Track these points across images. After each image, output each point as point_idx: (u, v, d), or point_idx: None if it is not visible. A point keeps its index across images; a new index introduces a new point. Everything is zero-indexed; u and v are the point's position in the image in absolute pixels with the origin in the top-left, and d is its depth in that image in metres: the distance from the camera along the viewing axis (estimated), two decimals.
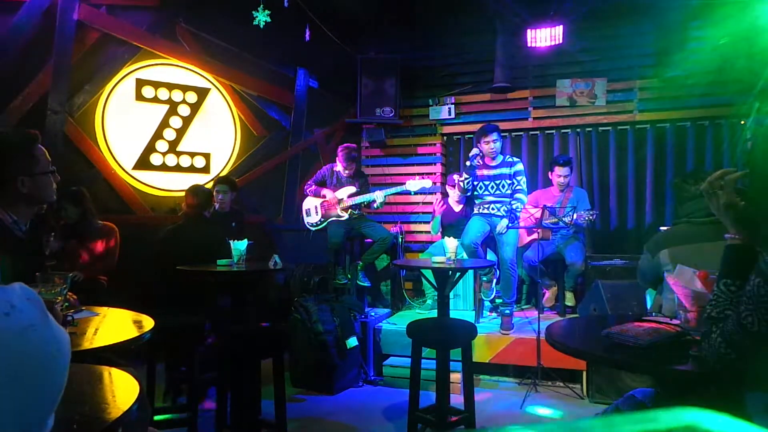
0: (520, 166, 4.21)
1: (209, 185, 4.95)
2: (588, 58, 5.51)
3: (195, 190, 3.68)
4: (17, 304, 0.64)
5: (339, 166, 4.72)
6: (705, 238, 1.96)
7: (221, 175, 5.14)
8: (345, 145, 4.76)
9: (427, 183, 4.58)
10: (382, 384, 4.14)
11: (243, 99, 5.52)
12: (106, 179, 4.69)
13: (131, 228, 4.71)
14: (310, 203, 4.83)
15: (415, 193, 4.65)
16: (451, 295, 3.31)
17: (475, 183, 4.28)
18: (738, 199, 1.24)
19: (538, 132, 5.79)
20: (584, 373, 3.75)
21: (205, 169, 5.27)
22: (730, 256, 1.27)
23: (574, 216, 4.34)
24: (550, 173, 4.88)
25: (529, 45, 5.19)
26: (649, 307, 2.55)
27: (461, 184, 4.27)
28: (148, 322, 1.78)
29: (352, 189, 4.69)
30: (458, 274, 3.09)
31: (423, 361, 3.10)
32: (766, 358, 1.14)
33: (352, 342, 4.08)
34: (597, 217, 4.46)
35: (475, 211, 4.38)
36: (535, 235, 4.41)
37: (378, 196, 4.54)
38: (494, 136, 4.16)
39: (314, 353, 3.96)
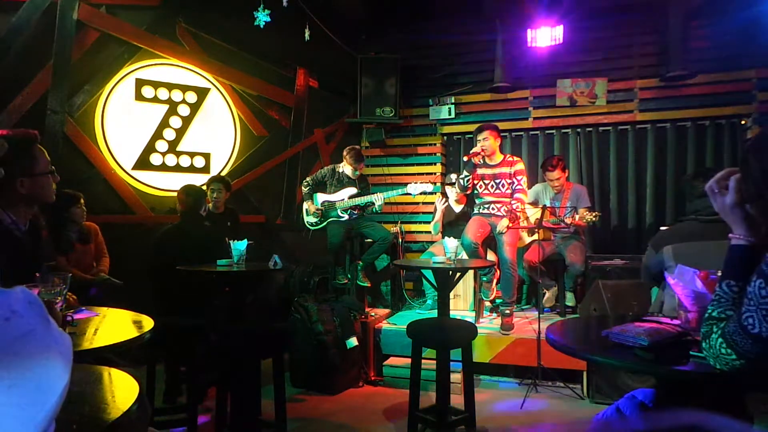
0: (520, 166, 4.20)
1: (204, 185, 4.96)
2: (588, 58, 5.51)
3: (188, 190, 3.67)
4: (18, 309, 0.63)
5: (345, 167, 4.70)
6: (710, 236, 1.96)
7: (219, 174, 5.14)
8: (351, 147, 4.76)
9: (428, 187, 4.57)
10: (382, 384, 4.14)
11: (243, 99, 5.52)
12: (106, 179, 4.69)
13: (131, 228, 4.72)
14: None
15: (416, 195, 4.65)
16: (451, 295, 3.30)
17: (475, 181, 4.28)
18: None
19: (538, 132, 5.78)
20: (584, 373, 3.75)
21: (205, 169, 5.27)
22: (734, 257, 1.26)
23: (577, 218, 4.33)
24: (544, 176, 4.86)
25: (529, 45, 5.19)
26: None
27: (460, 181, 4.27)
28: (148, 322, 1.78)
29: (354, 190, 4.68)
30: (458, 274, 3.09)
31: (423, 361, 3.10)
32: (766, 359, 1.14)
33: (352, 342, 4.08)
34: (599, 218, 4.39)
35: (475, 210, 4.37)
36: (535, 236, 4.40)
37: (377, 198, 4.54)
38: (485, 134, 4.16)
39: (314, 353, 3.96)
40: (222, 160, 5.38)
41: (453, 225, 4.95)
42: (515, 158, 4.26)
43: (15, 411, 0.59)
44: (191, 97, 5.20)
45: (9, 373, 0.59)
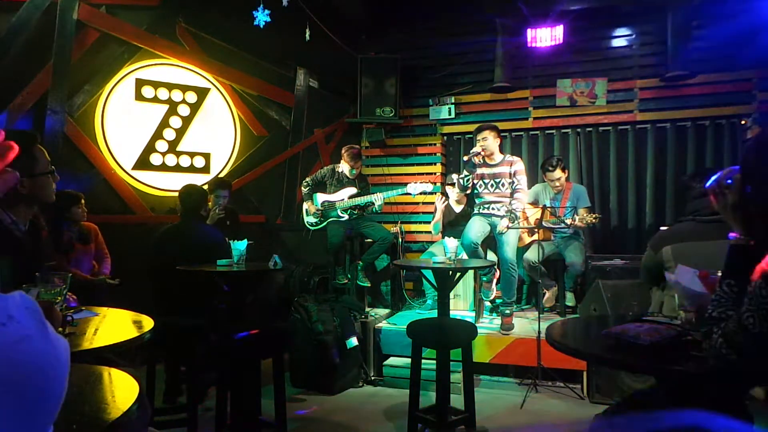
0: (520, 165, 4.19)
1: (205, 186, 4.96)
2: (588, 58, 5.52)
3: (189, 190, 3.67)
4: (15, 314, 0.63)
5: (344, 167, 4.70)
6: (709, 236, 1.96)
7: (219, 176, 5.13)
8: (349, 146, 4.76)
9: (428, 187, 4.58)
10: (382, 384, 4.14)
11: (243, 99, 5.52)
12: (106, 179, 4.69)
13: (131, 228, 4.72)
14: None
15: (416, 195, 4.65)
16: (451, 295, 3.30)
17: (475, 181, 4.28)
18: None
19: (538, 132, 5.78)
20: (584, 373, 3.75)
21: (205, 169, 5.27)
22: (734, 257, 1.26)
23: (576, 220, 4.33)
24: (544, 176, 4.87)
25: (529, 45, 5.19)
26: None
27: (460, 181, 4.27)
28: (148, 322, 1.78)
29: (353, 190, 4.68)
30: (458, 274, 3.09)
31: (423, 361, 3.10)
32: (766, 359, 1.14)
33: (352, 342, 4.08)
34: (599, 219, 4.41)
35: (476, 210, 4.37)
36: (535, 236, 4.40)
37: (377, 198, 4.54)
38: (485, 134, 4.16)
39: (314, 353, 3.96)
40: (222, 160, 5.38)
41: (453, 225, 4.95)
42: (515, 158, 4.26)
43: (11, 418, 0.58)
44: (191, 97, 5.20)
45: (5, 379, 0.59)
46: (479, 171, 4.26)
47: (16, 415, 0.59)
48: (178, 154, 5.12)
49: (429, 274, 3.09)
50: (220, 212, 4.33)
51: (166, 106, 5.05)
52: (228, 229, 4.08)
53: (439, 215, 5.03)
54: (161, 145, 5.02)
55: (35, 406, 0.61)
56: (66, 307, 1.79)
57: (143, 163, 4.91)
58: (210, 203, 4.43)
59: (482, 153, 4.16)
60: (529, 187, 4.72)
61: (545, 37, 5.10)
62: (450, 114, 5.94)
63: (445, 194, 5.32)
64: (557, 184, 4.69)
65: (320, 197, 4.76)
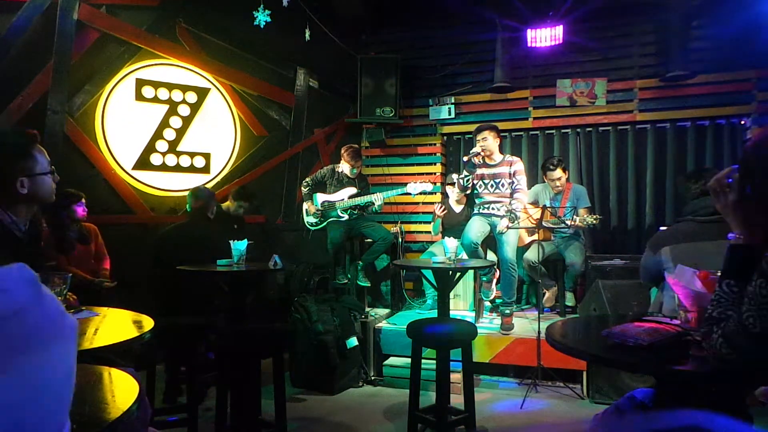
0: (519, 165, 4.20)
1: (209, 185, 4.98)
2: (588, 58, 5.51)
3: (197, 194, 3.68)
4: (9, 287, 0.59)
5: (344, 167, 4.70)
6: (707, 236, 1.96)
7: (244, 187, 5.09)
8: (349, 145, 4.77)
9: (427, 187, 4.58)
10: (382, 384, 4.14)
11: (243, 99, 5.51)
12: (106, 179, 4.69)
13: (131, 228, 4.72)
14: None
15: (416, 195, 4.65)
16: (451, 295, 3.30)
17: (475, 181, 4.28)
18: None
19: (538, 132, 5.78)
20: (584, 373, 3.75)
21: (205, 169, 5.27)
22: (734, 257, 1.26)
23: (577, 220, 4.33)
24: (544, 177, 4.87)
25: (529, 45, 5.19)
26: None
27: (460, 181, 4.28)
28: (148, 322, 1.78)
29: (353, 190, 4.68)
30: (458, 274, 3.09)
31: (423, 361, 3.10)
32: (766, 359, 1.14)
33: (352, 342, 4.08)
34: (599, 221, 4.41)
35: (475, 211, 4.38)
36: (535, 236, 4.41)
37: (377, 198, 4.54)
38: (485, 134, 4.16)
39: (314, 353, 3.96)
40: (222, 160, 5.38)
41: (453, 225, 4.95)
42: (515, 158, 4.26)
43: (9, 398, 0.55)
44: (191, 97, 5.20)
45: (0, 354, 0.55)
46: (479, 171, 4.26)
47: (22, 397, 0.56)
48: (178, 154, 5.12)
49: (429, 274, 3.09)
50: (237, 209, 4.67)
51: (166, 106, 5.05)
52: (234, 232, 4.09)
53: (438, 218, 5.03)
54: (161, 145, 5.02)
55: (42, 386, 0.59)
56: (66, 307, 1.79)
57: (143, 163, 4.91)
58: (229, 203, 4.59)
59: (482, 153, 4.16)
60: (529, 187, 4.73)
61: (545, 37, 5.10)
62: (450, 114, 5.94)
63: (445, 194, 5.32)
64: (558, 183, 4.69)
65: (320, 197, 4.76)
